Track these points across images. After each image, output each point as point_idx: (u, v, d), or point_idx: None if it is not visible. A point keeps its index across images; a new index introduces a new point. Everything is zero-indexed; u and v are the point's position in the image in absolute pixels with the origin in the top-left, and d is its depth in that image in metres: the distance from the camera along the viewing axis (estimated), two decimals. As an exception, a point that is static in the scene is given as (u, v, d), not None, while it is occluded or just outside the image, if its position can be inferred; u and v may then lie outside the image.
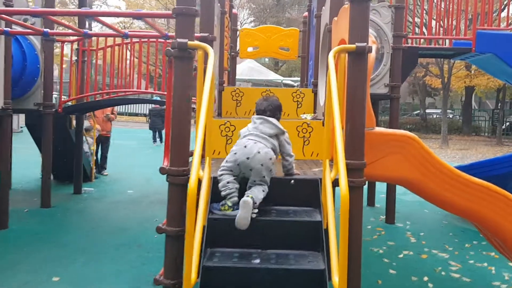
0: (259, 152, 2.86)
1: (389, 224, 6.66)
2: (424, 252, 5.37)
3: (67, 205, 7.05)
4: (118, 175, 9.89)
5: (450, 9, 7.21)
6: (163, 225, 2.98)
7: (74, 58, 8.10)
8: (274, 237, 2.76)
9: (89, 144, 9.26)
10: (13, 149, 7.98)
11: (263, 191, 2.85)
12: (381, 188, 7.68)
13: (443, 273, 4.71)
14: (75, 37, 7.42)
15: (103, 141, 10.02)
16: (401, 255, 5.23)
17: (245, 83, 21.53)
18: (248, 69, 21.37)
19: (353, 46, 2.81)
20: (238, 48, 8.10)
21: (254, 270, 2.57)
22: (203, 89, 2.76)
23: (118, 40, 7.51)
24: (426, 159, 3.29)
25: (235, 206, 2.79)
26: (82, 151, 8.29)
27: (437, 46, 7.33)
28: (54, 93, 8.68)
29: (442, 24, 7.31)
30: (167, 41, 5.46)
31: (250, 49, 7.22)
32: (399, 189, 6.51)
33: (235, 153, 2.91)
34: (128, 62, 7.72)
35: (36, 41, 6.79)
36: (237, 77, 19.16)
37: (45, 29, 4.96)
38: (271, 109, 3.14)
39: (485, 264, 5.00)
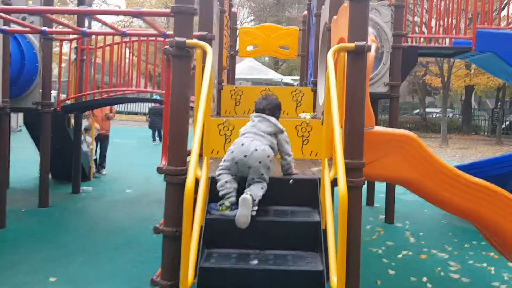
0: (256, 150, 2.84)
1: (388, 224, 6.64)
2: (424, 252, 5.35)
3: (65, 204, 7.03)
4: (117, 174, 9.87)
5: (450, 8, 7.19)
6: (160, 225, 2.95)
7: (73, 56, 8.07)
8: (272, 238, 2.74)
9: (87, 143, 9.23)
10: (11, 148, 7.96)
11: (262, 188, 2.83)
12: (380, 187, 7.66)
13: (442, 273, 4.69)
14: (74, 36, 7.39)
15: (102, 140, 10.00)
16: (400, 255, 5.21)
17: (245, 82, 21.50)
18: (248, 68, 21.35)
19: (353, 45, 2.79)
20: (237, 47, 8.07)
21: (252, 271, 2.55)
22: (201, 88, 2.74)
23: (118, 39, 7.49)
24: (425, 159, 3.27)
25: (233, 206, 2.77)
26: (81, 150, 8.27)
27: (437, 45, 7.31)
28: (53, 91, 8.68)
29: (442, 23, 7.28)
30: (167, 39, 5.44)
31: (249, 48, 7.19)
32: (399, 188, 6.49)
33: (232, 152, 2.89)
34: (127, 60, 7.69)
35: (34, 39, 6.76)
36: (237, 76, 19.14)
37: (43, 28, 4.93)
38: (270, 108, 3.13)
39: (485, 265, 4.98)
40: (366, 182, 3.04)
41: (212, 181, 2.92)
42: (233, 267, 2.55)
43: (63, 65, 8.62)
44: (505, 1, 9.76)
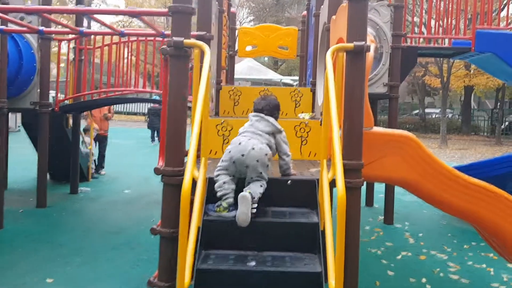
0: (253, 149, 2.83)
1: (387, 224, 6.62)
2: (423, 253, 5.33)
3: (63, 205, 7.00)
4: (115, 174, 9.84)
5: (450, 9, 7.17)
6: (157, 226, 2.93)
7: (72, 57, 8.05)
8: (270, 239, 2.72)
9: (86, 144, 9.21)
10: (10, 148, 7.92)
11: (261, 186, 2.82)
12: (379, 188, 7.64)
13: (441, 274, 4.67)
14: (72, 36, 7.37)
15: (101, 140, 9.97)
16: (399, 256, 5.19)
17: (244, 82, 21.49)
18: (247, 68, 21.36)
19: (351, 45, 2.77)
20: (236, 47, 8.05)
21: (250, 273, 2.53)
22: (199, 88, 2.72)
23: (117, 39, 7.46)
24: (424, 160, 3.25)
25: (231, 207, 2.76)
26: (79, 150, 8.24)
27: (436, 45, 7.29)
28: (51, 91, 8.65)
29: (441, 24, 7.27)
30: (165, 39, 5.41)
31: (248, 48, 7.17)
32: (398, 189, 6.47)
33: (230, 151, 2.88)
34: (125, 61, 7.67)
35: (32, 39, 6.73)
36: (236, 76, 19.14)
37: (40, 27, 4.91)
38: (269, 109, 3.12)
39: (484, 266, 4.96)
40: (365, 183, 3.03)
41: (210, 182, 2.90)
42: (231, 269, 2.54)
43: (62, 65, 8.61)
44: (505, 2, 9.75)
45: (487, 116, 28.88)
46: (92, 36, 7.61)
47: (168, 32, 4.43)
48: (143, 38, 7.00)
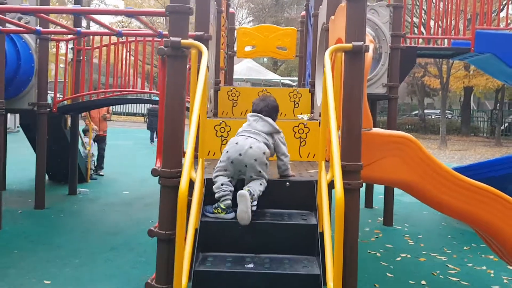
0: (251, 147, 2.82)
1: (387, 226, 6.59)
2: (422, 255, 5.30)
3: (62, 206, 6.98)
4: (114, 175, 9.82)
5: (449, 9, 7.15)
6: (155, 228, 2.91)
7: (70, 57, 8.02)
8: (268, 241, 2.70)
9: (85, 144, 9.19)
10: (9, 149, 7.90)
11: (261, 184, 2.81)
12: (379, 189, 7.62)
13: (441, 276, 4.64)
14: (70, 36, 7.34)
15: (100, 140, 9.96)
16: (398, 258, 5.16)
17: (244, 83, 21.50)
18: (246, 68, 21.36)
19: (350, 45, 2.75)
20: (235, 47, 8.02)
21: (248, 275, 2.51)
22: (196, 88, 2.69)
23: (116, 39, 7.44)
24: (424, 161, 3.23)
25: (229, 209, 2.73)
26: (78, 151, 8.21)
27: (435, 46, 7.28)
28: (49, 92, 8.63)
29: (441, 24, 7.25)
30: (164, 39, 5.38)
31: (247, 48, 7.15)
32: (397, 190, 6.41)
33: (227, 152, 2.88)
34: (124, 61, 7.65)
35: (31, 40, 6.71)
36: (235, 76, 19.17)
37: (37, 28, 4.89)
38: (268, 110, 3.12)
39: (484, 268, 4.93)
40: (364, 184, 3.00)
41: (208, 183, 2.88)
42: (229, 271, 2.51)
43: (61, 65, 8.59)
44: (504, 2, 9.72)
45: (487, 117, 28.90)
46: (91, 37, 7.60)
47: (166, 32, 4.41)
48: (142, 39, 6.98)
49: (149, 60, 22.75)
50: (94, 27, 22.84)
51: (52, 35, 7.27)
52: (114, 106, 19.74)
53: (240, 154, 2.81)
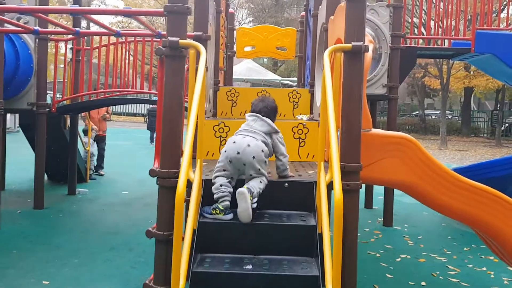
0: (248, 145, 2.82)
1: (386, 226, 6.57)
2: (422, 256, 5.28)
3: (61, 206, 6.96)
4: (113, 175, 9.80)
5: (449, 10, 7.14)
6: (153, 228, 2.89)
7: (70, 57, 8.01)
8: (267, 242, 2.68)
9: (84, 145, 9.17)
10: (9, 149, 7.89)
11: (261, 182, 2.80)
12: (379, 189, 7.60)
13: (441, 277, 4.62)
14: (69, 36, 7.33)
15: (100, 140, 9.96)
16: (398, 259, 5.14)
17: (244, 83, 21.51)
18: (246, 69, 21.37)
19: (349, 45, 2.73)
20: (235, 48, 8.01)
21: (246, 277, 2.49)
22: (194, 88, 2.68)
23: (115, 39, 7.42)
24: (423, 161, 3.21)
25: (227, 210, 2.72)
26: (77, 151, 8.20)
27: (436, 46, 7.26)
28: (49, 92, 8.61)
29: (441, 24, 7.23)
30: (163, 39, 5.37)
31: (247, 49, 7.13)
32: (397, 191, 6.39)
33: (225, 151, 2.87)
34: (123, 61, 7.63)
35: (30, 40, 6.70)
36: (235, 77, 19.18)
37: (35, 28, 4.87)
38: (266, 111, 3.11)
39: (484, 269, 4.91)
40: (364, 184, 2.99)
41: (206, 184, 2.87)
42: (227, 272, 2.50)
43: (61, 65, 8.57)
44: (505, 2, 9.69)
45: (487, 118, 28.88)
46: (91, 37, 7.58)
47: (165, 32, 4.39)
48: (141, 39, 6.97)
49: (148, 60, 22.75)
50: (94, 28, 22.86)
51: (51, 35, 7.26)
52: (114, 106, 19.73)
53: (238, 153, 2.80)
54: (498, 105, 26.28)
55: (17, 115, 13.98)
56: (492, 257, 5.12)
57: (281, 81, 23.30)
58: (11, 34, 6.25)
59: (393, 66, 6.27)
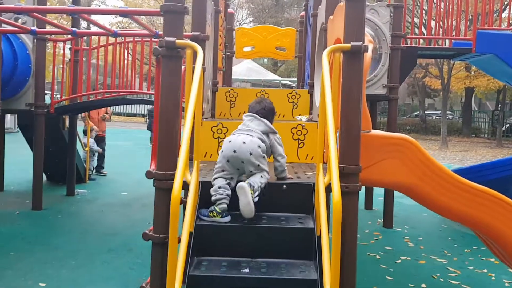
0: (244, 142, 2.80)
1: (386, 228, 6.53)
2: (422, 257, 5.24)
3: (60, 207, 6.93)
4: (113, 176, 9.78)
5: (450, 10, 7.10)
6: (149, 231, 2.85)
7: (69, 58, 7.98)
8: (264, 245, 2.65)
9: (83, 145, 9.14)
10: (8, 149, 7.87)
11: (262, 176, 2.78)
12: (379, 190, 7.56)
13: (441, 279, 4.59)
14: (68, 37, 7.30)
15: (99, 140, 9.94)
16: (398, 261, 5.10)
17: (244, 84, 21.50)
18: (246, 69, 21.36)
19: (348, 45, 2.69)
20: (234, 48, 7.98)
21: (243, 280, 2.46)
22: (191, 89, 2.64)
23: (114, 40, 7.39)
24: (423, 162, 3.17)
25: (224, 213, 2.69)
26: (76, 152, 8.17)
27: (436, 46, 7.22)
28: (48, 92, 8.58)
29: (441, 25, 7.19)
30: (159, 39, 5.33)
31: (247, 49, 7.09)
32: (397, 192, 6.39)
33: (222, 151, 2.85)
34: (122, 61, 7.60)
35: (28, 40, 6.67)
36: (235, 77, 19.17)
37: (32, 28, 4.84)
38: (264, 112, 3.09)
39: (485, 271, 4.87)
40: (363, 186, 2.95)
41: (203, 186, 2.83)
42: (224, 276, 2.46)
43: (60, 65, 8.53)
44: (506, 2, 9.67)
45: (488, 118, 28.81)
46: (91, 37, 7.55)
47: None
48: (139, 39, 6.94)
49: (148, 61, 22.72)
50: (94, 28, 22.83)
51: (50, 35, 7.23)
52: (114, 107, 19.71)
53: (234, 151, 2.78)
54: (499, 105, 26.20)
55: (17, 115, 13.98)
56: (493, 259, 5.08)
57: (281, 82, 23.28)
58: (9, 34, 6.22)
59: (393, 67, 6.23)
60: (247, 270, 2.51)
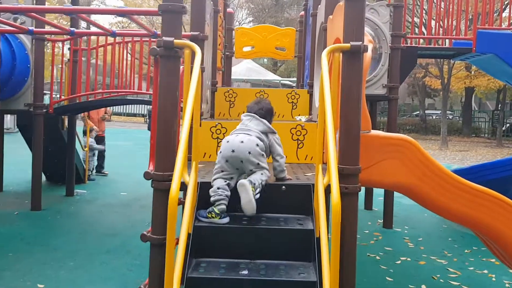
0: (242, 142, 2.79)
1: (386, 228, 6.51)
2: (422, 258, 5.22)
3: (59, 207, 6.92)
4: (113, 176, 9.77)
5: (450, 9, 7.08)
6: (147, 232, 2.83)
7: (67, 58, 7.97)
8: (263, 247, 2.63)
9: (82, 146, 9.12)
10: (8, 149, 7.85)
11: (262, 174, 2.76)
12: (379, 191, 7.54)
13: (441, 280, 4.57)
14: (66, 37, 7.28)
15: (99, 140, 9.93)
16: (398, 262, 5.09)
17: (244, 84, 21.48)
18: (246, 69, 21.35)
19: (348, 45, 2.67)
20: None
21: (242, 282, 2.43)
22: (189, 89, 2.63)
23: (113, 40, 7.37)
24: (423, 162, 3.15)
25: (223, 214, 2.67)
26: (75, 152, 8.15)
27: (436, 46, 7.20)
28: (47, 92, 8.57)
29: (442, 24, 7.17)
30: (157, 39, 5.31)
31: (246, 49, 7.07)
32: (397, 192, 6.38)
33: (220, 152, 2.83)
34: (121, 62, 7.58)
35: (27, 40, 6.65)
36: (235, 77, 19.16)
37: (30, 28, 4.83)
38: (262, 113, 3.07)
39: (485, 271, 4.85)
40: (363, 188, 2.93)
41: (202, 187, 2.81)
42: (222, 278, 2.44)
43: (59, 66, 8.52)
44: (506, 2, 9.65)
45: (488, 118, 28.80)
46: (91, 37, 7.54)
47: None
48: (138, 39, 6.92)
49: (147, 61, 22.70)
50: (93, 28, 22.81)
51: (49, 35, 7.21)
52: (114, 107, 19.69)
53: (233, 151, 2.77)
54: (499, 105, 26.19)
55: (16, 115, 13.96)
56: (493, 260, 5.06)
57: (281, 82, 23.27)
58: (7, 34, 6.20)
59: (393, 66, 6.21)
60: (246, 272, 2.49)
